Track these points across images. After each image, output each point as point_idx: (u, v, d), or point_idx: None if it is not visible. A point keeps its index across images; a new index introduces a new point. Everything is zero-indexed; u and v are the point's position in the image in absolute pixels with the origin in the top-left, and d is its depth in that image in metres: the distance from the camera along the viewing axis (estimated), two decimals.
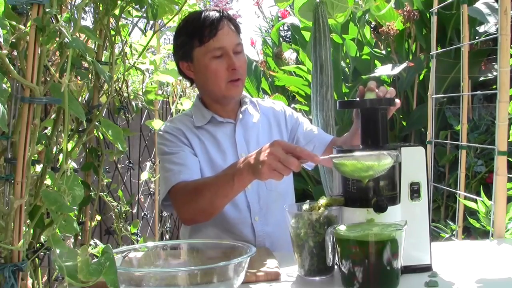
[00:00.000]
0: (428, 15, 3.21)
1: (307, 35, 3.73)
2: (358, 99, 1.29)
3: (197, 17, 1.46)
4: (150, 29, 2.28)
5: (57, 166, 1.20)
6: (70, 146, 1.23)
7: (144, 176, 2.48)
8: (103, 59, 1.38)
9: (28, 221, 0.91)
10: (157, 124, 2.10)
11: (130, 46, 1.70)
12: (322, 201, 1.08)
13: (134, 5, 1.25)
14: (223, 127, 1.52)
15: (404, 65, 3.08)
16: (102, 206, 2.07)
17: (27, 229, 0.89)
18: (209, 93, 1.52)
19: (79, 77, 1.30)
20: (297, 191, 1.68)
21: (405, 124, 3.52)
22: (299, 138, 1.61)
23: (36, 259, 1.04)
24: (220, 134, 1.51)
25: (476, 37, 3.26)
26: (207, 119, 1.51)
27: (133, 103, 1.97)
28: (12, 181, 0.83)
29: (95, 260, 0.81)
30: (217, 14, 1.46)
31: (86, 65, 1.28)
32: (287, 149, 1.09)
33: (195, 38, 1.44)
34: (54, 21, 0.86)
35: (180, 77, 1.80)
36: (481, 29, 3.35)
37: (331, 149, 1.57)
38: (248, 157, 1.19)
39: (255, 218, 1.47)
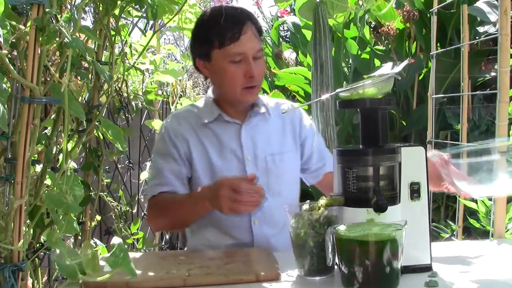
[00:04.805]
0: (428, 15, 3.21)
1: (308, 33, 3.73)
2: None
3: (220, 16, 1.37)
4: (150, 29, 2.28)
5: (57, 166, 1.20)
6: (70, 146, 1.23)
7: (144, 176, 2.48)
8: (103, 59, 1.38)
9: (28, 221, 0.91)
10: (157, 124, 2.10)
11: (130, 46, 1.70)
12: (322, 201, 1.08)
13: (134, 5, 1.25)
14: (229, 128, 1.48)
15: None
16: (102, 206, 2.07)
17: (27, 229, 0.89)
18: (223, 94, 1.48)
19: (79, 77, 1.30)
20: None
21: (405, 124, 3.52)
22: (313, 154, 1.57)
23: (36, 259, 1.04)
24: (224, 135, 1.47)
25: (476, 37, 3.26)
26: (214, 116, 1.47)
27: (133, 103, 1.97)
28: (12, 181, 0.83)
29: (104, 256, 0.82)
30: (242, 16, 1.39)
31: (86, 65, 1.28)
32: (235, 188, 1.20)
33: (216, 39, 1.38)
34: (54, 21, 0.87)
35: (180, 77, 1.80)
36: (481, 29, 3.35)
37: (327, 179, 1.55)
38: (207, 193, 1.29)
39: (254, 221, 1.43)
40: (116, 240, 0.85)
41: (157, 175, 1.46)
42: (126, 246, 1.23)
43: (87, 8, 1.34)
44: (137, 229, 1.88)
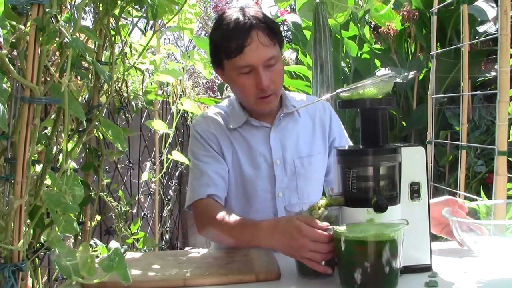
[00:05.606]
0: (428, 15, 3.21)
1: (308, 33, 3.73)
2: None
3: (226, 25, 1.33)
4: (150, 29, 2.28)
5: (57, 166, 1.20)
6: (70, 146, 1.23)
7: (144, 176, 2.48)
8: (103, 59, 1.38)
9: (28, 221, 0.91)
10: (157, 124, 2.10)
11: (130, 46, 1.70)
12: (322, 201, 1.08)
13: (134, 5, 1.25)
14: (258, 131, 1.46)
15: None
16: (102, 206, 2.07)
17: (27, 229, 0.89)
18: (241, 102, 1.47)
19: (79, 77, 1.29)
20: None
21: (405, 124, 3.52)
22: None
23: (36, 259, 1.04)
24: (253, 139, 1.46)
25: (476, 37, 3.26)
26: (243, 121, 1.45)
27: (133, 103, 1.97)
28: (12, 181, 0.83)
29: (103, 256, 0.82)
30: (247, 23, 1.30)
31: (86, 65, 1.27)
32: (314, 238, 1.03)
33: (222, 51, 1.34)
34: (54, 21, 0.87)
35: (180, 77, 1.80)
36: (481, 29, 3.36)
37: None
38: (275, 231, 1.12)
39: None
40: (113, 244, 0.86)
41: (201, 176, 1.41)
42: (126, 247, 1.23)
43: (87, 8, 1.34)
44: (137, 229, 1.88)
